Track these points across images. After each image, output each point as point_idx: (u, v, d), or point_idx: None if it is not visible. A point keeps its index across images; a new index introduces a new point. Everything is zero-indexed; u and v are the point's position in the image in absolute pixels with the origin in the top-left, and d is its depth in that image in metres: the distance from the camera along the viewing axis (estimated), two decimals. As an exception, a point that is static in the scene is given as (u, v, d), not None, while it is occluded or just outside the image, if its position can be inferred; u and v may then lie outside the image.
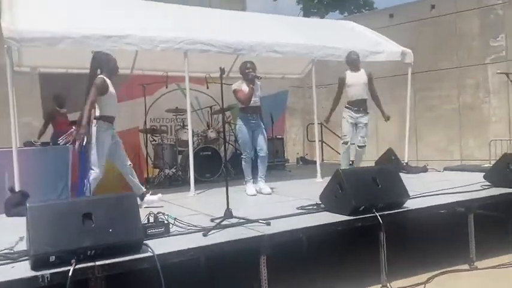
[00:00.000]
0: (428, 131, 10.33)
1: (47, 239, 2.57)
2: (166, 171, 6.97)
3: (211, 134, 7.25)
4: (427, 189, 4.62)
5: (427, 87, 10.24)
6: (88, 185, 4.42)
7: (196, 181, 5.71)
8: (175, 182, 6.75)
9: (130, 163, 4.72)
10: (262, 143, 5.38)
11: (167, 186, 6.52)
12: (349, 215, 3.62)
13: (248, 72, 5.25)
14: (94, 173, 4.47)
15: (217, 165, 6.93)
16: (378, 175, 3.90)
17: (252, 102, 5.28)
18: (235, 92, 5.33)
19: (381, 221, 3.55)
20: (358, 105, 6.02)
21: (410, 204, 3.95)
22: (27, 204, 2.71)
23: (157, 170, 7.19)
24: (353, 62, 6.07)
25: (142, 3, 6.42)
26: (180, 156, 7.21)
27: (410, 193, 4.05)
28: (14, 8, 4.89)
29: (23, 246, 2.93)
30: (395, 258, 3.61)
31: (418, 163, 7.97)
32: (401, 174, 4.47)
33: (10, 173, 4.58)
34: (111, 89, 4.56)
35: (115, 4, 6.03)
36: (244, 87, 5.27)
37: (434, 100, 10.38)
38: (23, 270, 2.56)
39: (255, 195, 5.26)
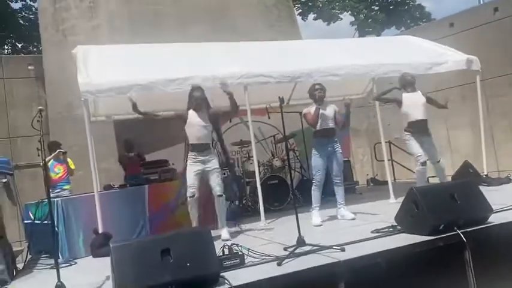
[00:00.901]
0: (507, 139, 9.63)
1: (130, 277, 2.70)
2: (236, 202, 7.06)
3: (277, 163, 7.30)
4: (513, 202, 4.29)
5: (499, 93, 9.60)
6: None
7: (265, 210, 5.74)
8: (245, 213, 6.82)
9: (223, 195, 4.94)
10: (337, 169, 5.18)
11: (238, 217, 6.59)
12: (428, 235, 3.47)
13: (316, 93, 5.20)
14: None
15: (285, 194, 6.91)
16: (455, 190, 3.72)
17: (322, 124, 5.15)
18: (304, 115, 5.34)
19: (464, 239, 3.35)
20: (418, 127, 5.57)
21: (494, 219, 3.70)
22: (111, 245, 2.88)
23: (228, 202, 7.31)
24: (409, 83, 5.72)
25: (198, 45, 6.67)
26: (248, 187, 7.30)
27: (494, 207, 3.80)
28: (88, 66, 5.33)
29: (109, 285, 3.10)
30: (484, 278, 3.36)
31: (500, 174, 7.44)
32: (482, 188, 4.20)
33: (93, 215, 4.88)
34: (191, 119, 4.89)
35: (173, 49, 6.34)
36: (313, 110, 5.21)
37: (509, 106, 9.70)
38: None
39: (320, 225, 5.03)
